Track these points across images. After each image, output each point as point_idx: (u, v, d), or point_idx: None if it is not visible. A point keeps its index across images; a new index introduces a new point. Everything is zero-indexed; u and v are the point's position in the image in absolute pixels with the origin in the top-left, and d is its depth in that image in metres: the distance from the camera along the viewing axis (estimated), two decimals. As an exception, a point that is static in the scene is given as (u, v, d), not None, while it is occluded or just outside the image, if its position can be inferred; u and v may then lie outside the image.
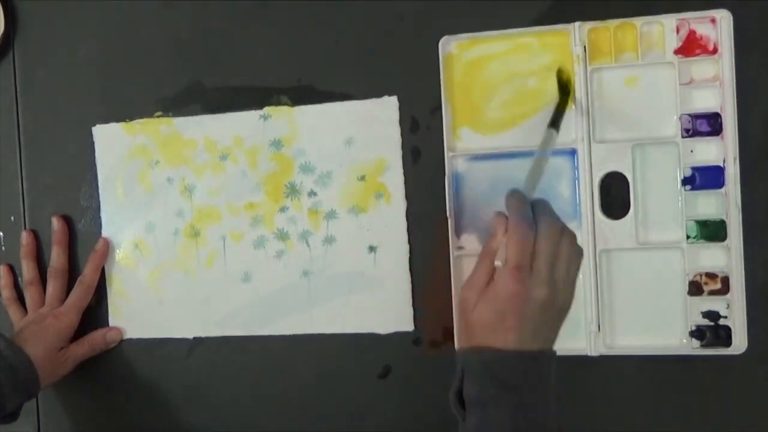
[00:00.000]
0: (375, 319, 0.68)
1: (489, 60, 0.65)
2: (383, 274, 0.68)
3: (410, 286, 0.67)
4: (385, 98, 0.67)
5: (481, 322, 0.51)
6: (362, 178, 0.68)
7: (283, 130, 0.70)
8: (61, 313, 0.71)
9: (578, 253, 0.53)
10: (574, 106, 0.61)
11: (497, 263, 0.52)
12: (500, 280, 0.51)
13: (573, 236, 0.53)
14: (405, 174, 0.67)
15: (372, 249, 0.68)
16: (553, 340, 0.53)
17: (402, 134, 0.67)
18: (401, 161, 0.67)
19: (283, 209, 0.70)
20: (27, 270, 0.74)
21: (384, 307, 0.68)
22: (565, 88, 0.62)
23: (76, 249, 0.75)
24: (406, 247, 0.67)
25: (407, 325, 0.67)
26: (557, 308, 0.52)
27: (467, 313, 0.52)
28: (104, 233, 0.74)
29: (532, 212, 0.53)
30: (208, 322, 0.72)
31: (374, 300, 0.68)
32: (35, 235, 0.75)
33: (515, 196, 0.54)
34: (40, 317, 0.71)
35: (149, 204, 0.73)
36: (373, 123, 0.67)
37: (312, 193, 0.69)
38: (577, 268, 0.53)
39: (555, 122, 0.60)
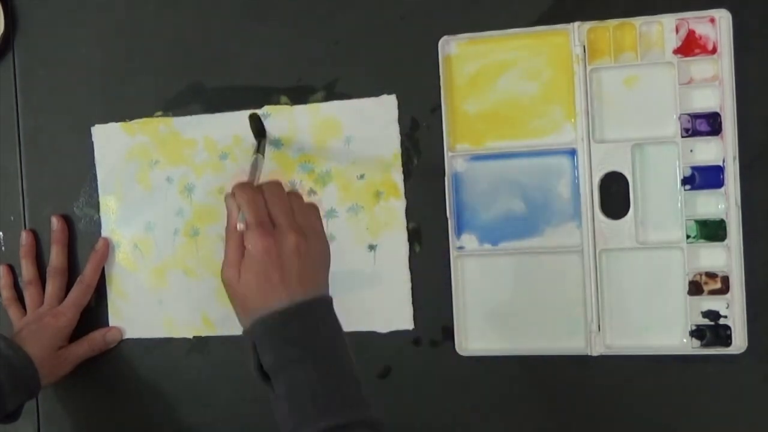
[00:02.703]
0: (374, 317, 0.68)
1: (489, 60, 0.65)
2: (383, 272, 0.68)
3: (410, 285, 0.67)
4: (384, 97, 0.67)
5: (249, 289, 0.52)
6: (362, 176, 0.68)
7: (283, 129, 0.69)
8: (60, 312, 0.71)
9: (311, 205, 0.57)
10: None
11: (240, 226, 0.53)
12: (250, 243, 0.52)
13: (299, 194, 0.57)
14: (405, 173, 0.67)
15: (372, 248, 0.68)
16: (324, 286, 0.55)
17: (402, 134, 0.67)
18: (401, 160, 0.67)
19: (283, 208, 0.70)
20: (26, 270, 0.74)
21: (383, 306, 0.68)
22: (261, 132, 0.68)
23: (75, 249, 0.75)
24: (406, 246, 0.67)
25: (407, 324, 0.67)
26: (314, 253, 0.54)
27: (234, 288, 0.53)
28: (104, 233, 0.74)
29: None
30: (208, 322, 0.72)
31: (374, 299, 0.68)
32: (34, 234, 0.75)
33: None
34: (39, 316, 0.71)
35: (149, 203, 0.73)
36: (372, 121, 0.67)
37: (312, 192, 0.69)
38: (318, 218, 0.56)
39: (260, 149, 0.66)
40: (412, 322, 0.67)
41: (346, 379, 0.52)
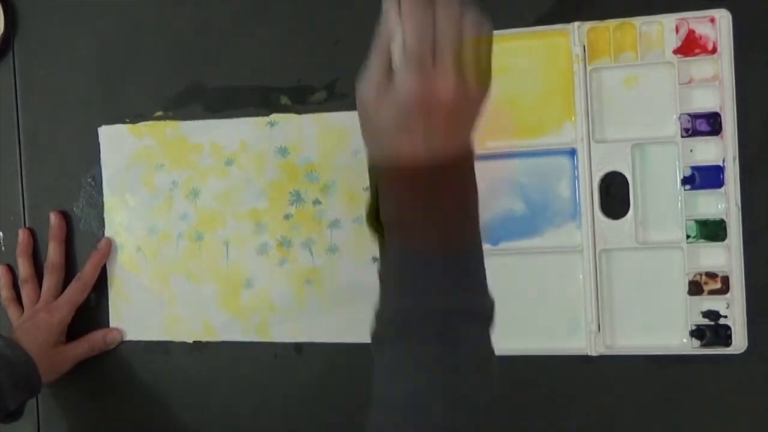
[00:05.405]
0: None
1: (489, 60, 0.65)
2: None
3: None
4: None
5: (385, 128, 0.44)
6: (368, 188, 0.67)
7: (290, 137, 0.69)
8: (54, 308, 0.71)
9: (487, 29, 0.44)
10: None
11: (396, 57, 0.44)
12: (400, 79, 0.43)
13: (476, 11, 0.44)
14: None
15: (375, 260, 0.67)
16: (470, 140, 0.46)
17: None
18: None
19: (287, 216, 0.69)
20: (23, 268, 0.74)
21: None
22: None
23: (74, 248, 0.75)
24: None
25: None
26: (470, 99, 0.44)
27: (368, 115, 0.45)
28: (107, 234, 0.74)
29: None
30: (209, 327, 0.72)
31: None
32: (32, 233, 0.75)
33: None
34: (34, 313, 0.71)
35: (153, 206, 0.73)
36: None
37: (317, 202, 0.69)
38: (489, 47, 0.45)
39: None
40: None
41: (473, 252, 0.45)
